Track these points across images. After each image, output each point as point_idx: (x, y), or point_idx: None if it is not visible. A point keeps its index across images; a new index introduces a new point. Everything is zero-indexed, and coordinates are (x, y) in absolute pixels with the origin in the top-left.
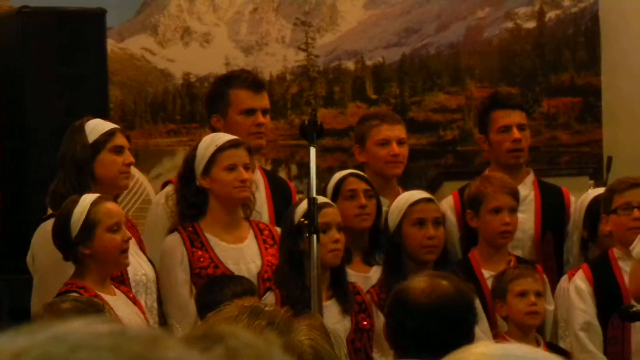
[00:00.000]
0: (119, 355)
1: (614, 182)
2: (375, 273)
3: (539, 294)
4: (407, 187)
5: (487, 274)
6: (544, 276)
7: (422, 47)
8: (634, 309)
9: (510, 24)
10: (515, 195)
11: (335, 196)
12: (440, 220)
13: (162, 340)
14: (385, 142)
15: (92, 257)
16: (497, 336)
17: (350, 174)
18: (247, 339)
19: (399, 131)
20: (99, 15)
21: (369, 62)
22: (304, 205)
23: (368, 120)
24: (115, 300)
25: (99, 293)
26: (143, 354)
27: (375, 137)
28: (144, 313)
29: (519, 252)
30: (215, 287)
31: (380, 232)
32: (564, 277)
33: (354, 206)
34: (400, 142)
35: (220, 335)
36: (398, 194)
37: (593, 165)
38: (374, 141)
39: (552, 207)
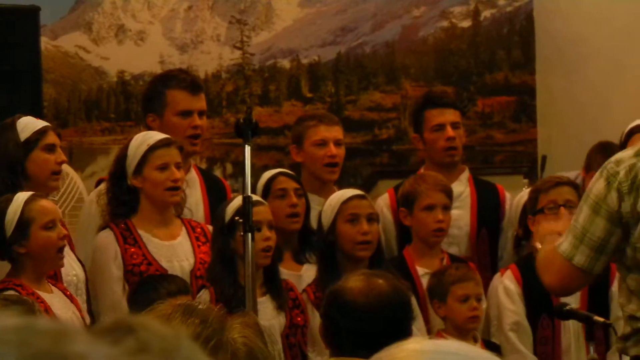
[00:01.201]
0: (24, 350)
1: (539, 182)
2: (307, 271)
3: (479, 299)
4: (342, 186)
5: (422, 271)
6: (479, 277)
7: (358, 46)
8: (568, 307)
9: (445, 23)
10: (448, 193)
11: (265, 195)
12: (373, 217)
13: (70, 333)
14: (323, 143)
15: (28, 255)
16: (434, 334)
17: (280, 173)
18: (156, 330)
19: (337, 132)
20: (32, 13)
21: (304, 61)
22: (235, 203)
23: (306, 120)
24: (52, 298)
25: (36, 291)
26: (49, 349)
27: (313, 137)
28: (80, 311)
29: (454, 249)
30: (149, 286)
31: (310, 230)
32: (497, 275)
33: (285, 205)
34: (337, 144)
35: (130, 326)
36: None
37: (527, 164)
38: (311, 142)
39: (488, 204)
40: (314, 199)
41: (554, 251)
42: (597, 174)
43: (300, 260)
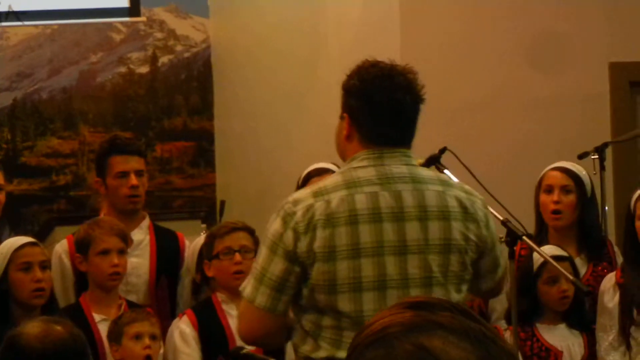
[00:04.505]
0: None
1: (214, 228)
2: None
3: (154, 337)
4: (18, 232)
5: (99, 318)
6: (157, 320)
7: (34, 92)
8: (244, 350)
9: (123, 69)
10: (123, 237)
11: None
12: (46, 264)
13: None
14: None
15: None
16: None
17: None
18: None
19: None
20: None
21: None
22: None
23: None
24: None
25: None
26: None
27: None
28: None
29: (133, 297)
30: None
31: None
32: (175, 321)
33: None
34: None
35: None
36: None
37: (206, 209)
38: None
39: (167, 251)
40: None
41: (241, 296)
42: (275, 214)
43: None
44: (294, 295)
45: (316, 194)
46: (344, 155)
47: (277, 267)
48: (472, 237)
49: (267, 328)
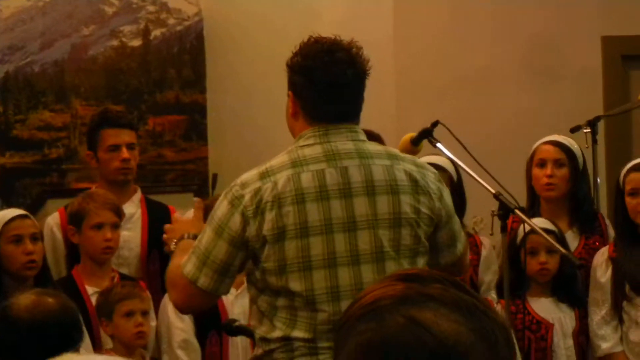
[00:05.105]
0: None
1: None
2: None
3: (145, 313)
4: (11, 205)
5: (91, 290)
6: (148, 294)
7: (26, 65)
8: (236, 323)
9: (115, 42)
10: (117, 211)
11: None
12: (37, 236)
13: None
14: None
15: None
16: (102, 352)
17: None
18: None
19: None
20: None
21: None
22: None
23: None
24: None
25: None
26: None
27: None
28: None
29: (125, 270)
30: None
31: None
32: (166, 295)
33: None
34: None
35: None
36: None
37: (198, 183)
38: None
39: (159, 225)
40: None
41: (179, 269)
42: (223, 195)
43: None
44: (235, 276)
45: (263, 176)
46: (293, 133)
47: (221, 250)
48: (424, 209)
49: (206, 304)
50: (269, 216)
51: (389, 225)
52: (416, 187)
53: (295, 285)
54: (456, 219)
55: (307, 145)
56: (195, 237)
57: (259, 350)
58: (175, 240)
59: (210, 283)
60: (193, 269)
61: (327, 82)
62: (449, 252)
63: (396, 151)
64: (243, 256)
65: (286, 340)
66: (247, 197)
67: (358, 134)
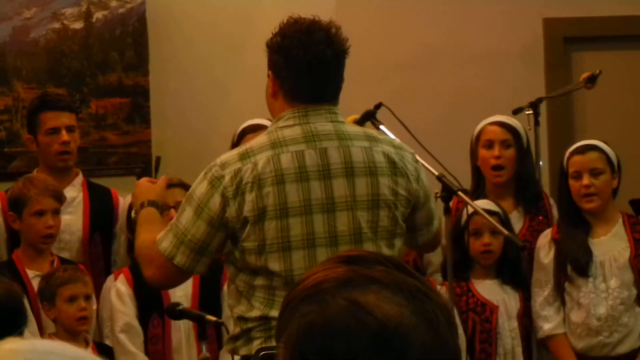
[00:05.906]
0: None
1: None
2: None
3: (88, 297)
4: None
5: (32, 274)
6: (90, 278)
7: None
8: (180, 307)
9: (57, 25)
10: (58, 197)
11: None
12: None
13: None
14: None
15: None
16: (44, 337)
17: None
18: None
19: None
20: None
21: None
22: None
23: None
24: None
25: None
26: None
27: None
28: None
29: (66, 254)
30: None
31: None
32: (110, 278)
33: None
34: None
35: None
36: None
37: (141, 166)
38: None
39: (101, 208)
40: None
41: (154, 245)
42: (202, 175)
43: None
44: (213, 256)
45: (243, 156)
46: (273, 114)
47: (200, 230)
48: (402, 191)
49: (181, 281)
50: (249, 197)
51: (367, 207)
52: (394, 169)
53: (275, 265)
54: (433, 198)
55: (287, 126)
56: (153, 203)
57: (236, 329)
58: (135, 209)
59: (186, 261)
60: (170, 246)
61: (305, 61)
62: (427, 231)
63: (375, 133)
64: (222, 236)
65: (264, 319)
66: (227, 178)
67: (337, 115)
